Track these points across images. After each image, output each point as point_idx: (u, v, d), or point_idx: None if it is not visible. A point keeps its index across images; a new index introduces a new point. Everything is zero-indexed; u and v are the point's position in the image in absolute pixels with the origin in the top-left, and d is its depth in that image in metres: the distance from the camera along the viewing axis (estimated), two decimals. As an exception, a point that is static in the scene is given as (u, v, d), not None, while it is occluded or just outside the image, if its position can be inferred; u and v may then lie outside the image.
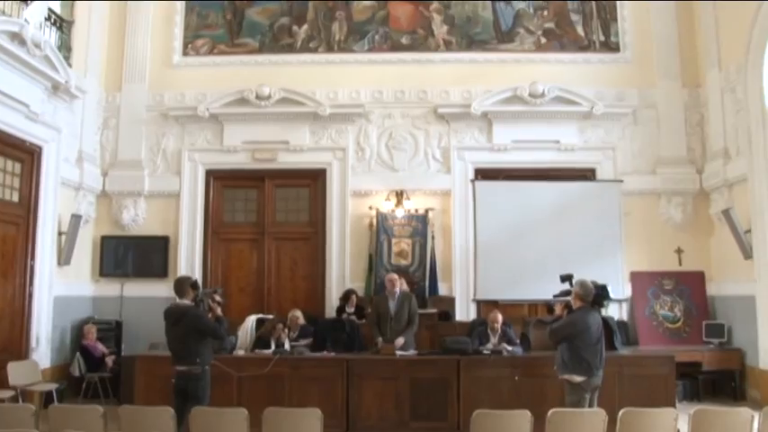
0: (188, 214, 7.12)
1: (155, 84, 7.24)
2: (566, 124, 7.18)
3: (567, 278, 4.14)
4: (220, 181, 7.27)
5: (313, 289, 7.15)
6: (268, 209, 7.27)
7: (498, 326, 5.18)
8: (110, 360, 6.06)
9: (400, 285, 5.45)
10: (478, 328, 5.35)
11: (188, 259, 7.01)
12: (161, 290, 6.52)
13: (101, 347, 6.19)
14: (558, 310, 4.20)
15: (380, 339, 5.03)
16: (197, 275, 6.72)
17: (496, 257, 6.93)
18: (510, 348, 4.93)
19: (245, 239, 7.23)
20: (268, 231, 7.25)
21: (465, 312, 6.89)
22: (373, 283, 6.97)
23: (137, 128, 7.19)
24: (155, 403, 3.45)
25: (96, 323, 6.39)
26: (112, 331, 6.51)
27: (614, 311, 6.71)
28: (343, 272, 7.07)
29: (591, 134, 7.24)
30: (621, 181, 7.02)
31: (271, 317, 5.65)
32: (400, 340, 5.04)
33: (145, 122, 7.23)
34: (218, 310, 3.98)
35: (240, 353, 5.05)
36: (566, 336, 3.98)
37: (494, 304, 6.68)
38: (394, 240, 7.11)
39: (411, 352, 5.04)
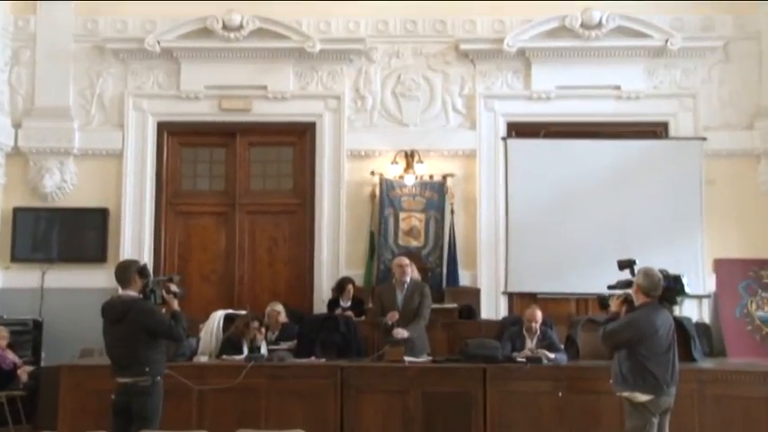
0: (134, 180, 7.03)
1: (85, 5, 6.98)
2: (629, 64, 7.00)
3: (627, 265, 4.00)
4: (177, 137, 7.23)
5: (298, 277, 7.16)
6: (240, 174, 7.25)
7: (536, 326, 5.12)
8: (23, 373, 5.70)
9: (411, 272, 5.42)
10: (511, 329, 5.30)
11: (134, 239, 6.96)
12: (97, 278, 6.44)
13: (11, 357, 5.77)
14: (614, 306, 4.07)
15: (387, 318, 4.98)
16: (146, 259, 6.65)
17: (535, 238, 6.90)
18: (552, 356, 4.87)
19: (210, 213, 7.24)
20: (240, 203, 7.24)
21: (493, 308, 6.89)
22: (375, 269, 6.96)
23: (61, 64, 6.94)
24: (86, 429, 3.40)
25: (5, 324, 6.01)
26: (28, 334, 6.24)
27: (692, 311, 6.57)
28: (336, 255, 7.05)
29: (663, 77, 7.05)
30: (704, 139, 6.85)
31: (243, 313, 5.58)
32: (402, 331, 4.97)
33: (73, 57, 6.97)
34: (175, 304, 3.92)
35: (203, 359, 5.02)
36: (625, 341, 3.85)
37: (531, 298, 6.67)
38: (402, 215, 7.08)
39: (424, 358, 5.00)
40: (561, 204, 6.88)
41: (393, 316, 4.99)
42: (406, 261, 5.33)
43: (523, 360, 4.75)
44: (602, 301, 4.13)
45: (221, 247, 7.21)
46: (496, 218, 7.03)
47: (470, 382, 4.66)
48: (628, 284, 3.96)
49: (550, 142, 7.02)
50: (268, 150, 7.33)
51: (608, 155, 6.88)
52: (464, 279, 6.95)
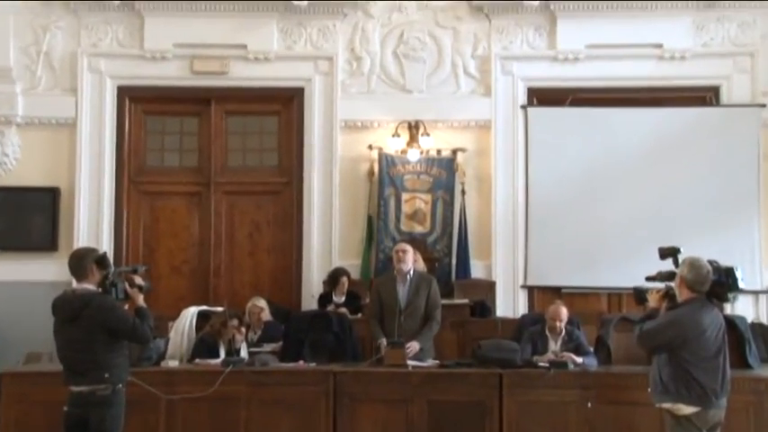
0: (90, 154, 7.00)
1: (24, -58, 6.90)
2: (673, 18, 6.92)
3: (670, 254, 3.90)
4: (141, 104, 7.24)
5: (284, 268, 7.18)
6: (216, 148, 7.29)
7: (561, 325, 5.08)
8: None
9: (415, 262, 5.38)
10: (531, 329, 5.26)
11: (91, 223, 6.95)
12: (46, 270, 6.42)
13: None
14: (653, 301, 3.99)
15: (384, 342, 4.96)
16: (106, 248, 6.60)
17: (559, 223, 6.93)
18: (579, 360, 4.83)
19: (180, 194, 7.27)
20: (216, 182, 7.27)
21: (510, 305, 6.92)
22: (374, 259, 7.00)
23: (-2, 16, 6.85)
24: (32, 446, 3.37)
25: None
26: (-39, 337, 6.27)
27: (746, 309, 6.47)
28: (329, 243, 7.08)
29: (715, 32, 6.96)
30: (763, 105, 6.85)
31: (219, 310, 5.52)
32: (414, 345, 4.95)
33: (12, 8, 6.85)
34: (140, 300, 3.84)
35: (172, 364, 4.95)
36: (665, 342, 3.76)
37: (555, 293, 6.69)
38: (405, 196, 7.10)
39: (430, 362, 4.98)
40: (591, 184, 6.89)
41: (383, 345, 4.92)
42: (407, 247, 5.28)
43: (546, 365, 4.72)
44: (639, 295, 4.05)
45: (194, 233, 7.23)
46: (515, 199, 7.05)
47: (484, 390, 4.64)
48: (670, 276, 3.87)
49: (578, 111, 7.01)
50: (248, 120, 7.34)
51: (647, 125, 6.88)
52: (477, 271, 6.98)
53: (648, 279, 3.99)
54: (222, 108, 7.26)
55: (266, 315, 5.76)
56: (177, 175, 7.27)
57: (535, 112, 7.08)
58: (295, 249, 7.13)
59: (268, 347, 5.39)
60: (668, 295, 3.88)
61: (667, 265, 3.92)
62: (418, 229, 7.07)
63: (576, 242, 6.84)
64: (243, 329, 5.27)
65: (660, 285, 3.93)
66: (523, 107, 7.09)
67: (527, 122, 7.04)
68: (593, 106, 7.00)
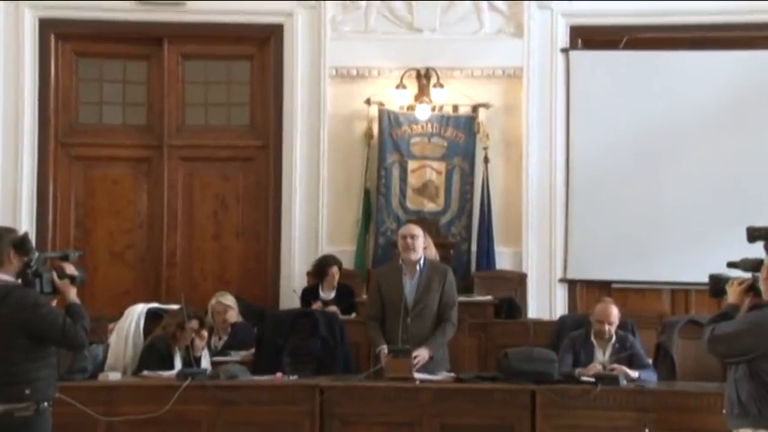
0: (4, 108, 7.01)
1: None
2: None
3: (762, 236, 3.84)
4: (71, 43, 7.31)
5: (257, 255, 7.25)
6: (170, 101, 7.35)
7: (611, 330, 5.03)
8: None
9: (425, 249, 5.35)
10: (572, 335, 5.22)
11: (6, 197, 7.01)
12: None
13: None
14: (732, 294, 3.87)
15: (385, 349, 4.95)
16: (27, 228, 6.64)
17: (609, 199, 6.99)
18: (634, 374, 4.79)
19: (124, 160, 7.39)
20: (170, 145, 7.31)
21: (546, 303, 6.99)
22: (372, 244, 7.09)
23: None
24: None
25: None
26: None
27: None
28: (315, 223, 7.14)
29: None
30: None
31: (175, 308, 5.51)
32: (423, 353, 4.94)
33: None
34: (72, 294, 3.79)
35: (113, 377, 4.93)
36: (743, 351, 3.68)
37: (603, 289, 6.76)
38: (412, 165, 7.16)
39: (443, 375, 4.97)
40: (650, 149, 6.91)
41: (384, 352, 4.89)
42: (416, 231, 5.22)
43: (591, 380, 4.68)
44: (716, 285, 3.96)
45: (141, 210, 7.27)
46: (552, 169, 7.08)
47: (512, 412, 4.63)
48: (758, 266, 3.83)
49: (635, 56, 7.03)
50: (212, 67, 7.37)
51: (723, 74, 6.88)
52: (503, 260, 7.05)
53: (730, 265, 3.89)
54: (178, 50, 7.26)
55: (234, 315, 5.78)
56: (119, 135, 7.29)
57: (579, 57, 7.10)
58: (272, 232, 7.17)
59: (237, 356, 5.40)
60: (753, 289, 3.83)
61: (757, 250, 3.87)
62: (429, 206, 7.13)
63: (631, 224, 6.88)
64: (204, 333, 5.25)
65: (746, 275, 3.88)
66: (564, 51, 7.10)
67: (569, 71, 7.07)
68: (653, 49, 7.01)
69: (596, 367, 4.84)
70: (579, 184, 7.03)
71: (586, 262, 7.01)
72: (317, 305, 6.17)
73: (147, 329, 5.40)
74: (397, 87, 7.06)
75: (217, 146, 7.29)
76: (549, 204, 7.07)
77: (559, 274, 7.04)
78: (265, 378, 4.91)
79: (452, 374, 4.99)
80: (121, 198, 7.26)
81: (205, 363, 5.13)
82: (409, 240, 5.09)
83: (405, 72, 7.04)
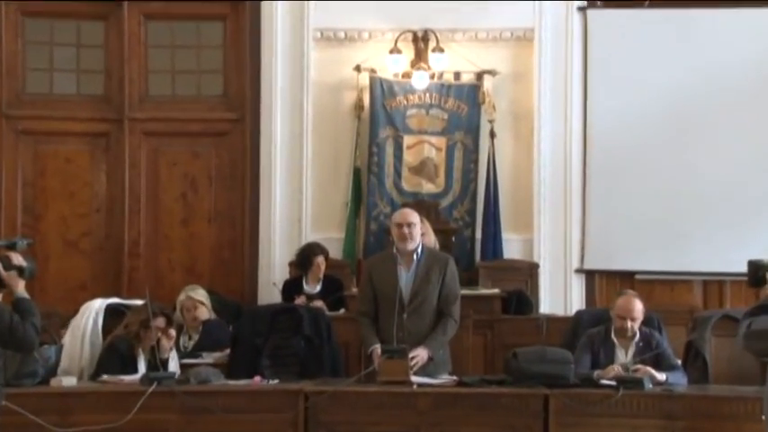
0: None
1: None
2: None
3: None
4: (18, 1, 7.23)
5: (232, 244, 7.28)
6: (131, 68, 7.34)
7: (635, 327, 5.03)
8: None
9: (423, 236, 5.35)
10: (590, 332, 5.22)
11: None
12: None
13: None
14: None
15: (378, 349, 4.97)
16: None
17: (633, 179, 7.02)
18: (661, 376, 4.80)
19: (79, 135, 7.39)
20: (132, 118, 7.36)
21: (561, 297, 7.03)
22: (363, 230, 7.13)
23: None
24: None
25: None
26: None
27: None
28: (297, 207, 7.17)
29: None
30: None
31: (138, 303, 5.49)
32: (422, 354, 4.96)
33: None
34: (20, 288, 3.82)
35: (68, 382, 4.90)
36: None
37: (625, 280, 6.79)
38: (409, 140, 7.18)
39: (444, 379, 4.97)
40: (680, 122, 6.94)
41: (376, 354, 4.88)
42: (412, 217, 5.19)
43: (612, 383, 4.68)
44: (755, 272, 4.02)
45: (99, 192, 7.27)
46: (567, 144, 7.12)
47: (522, 419, 4.62)
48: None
49: (661, 14, 7.02)
50: (179, 28, 7.37)
51: (761, 33, 6.88)
52: (512, 248, 7.08)
53: None
54: (139, 9, 7.24)
55: (206, 311, 5.79)
56: (73, 107, 7.28)
57: (599, 15, 7.10)
58: (248, 217, 7.19)
59: (209, 358, 5.40)
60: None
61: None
62: (427, 187, 7.14)
63: (658, 206, 6.91)
64: (172, 332, 5.24)
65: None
66: (582, 9, 7.11)
67: (586, 32, 7.08)
68: (682, 7, 7.00)
69: (617, 369, 4.83)
70: (598, 162, 7.05)
71: (606, 250, 7.04)
72: (300, 300, 6.18)
73: (107, 328, 5.37)
74: (391, 52, 7.05)
75: (185, 119, 7.28)
76: (564, 184, 7.10)
77: (576, 264, 7.08)
78: (242, 383, 4.90)
79: (454, 378, 4.98)
80: (76, 179, 7.25)
81: (173, 366, 5.12)
82: (405, 230, 5.07)
83: (400, 35, 7.04)
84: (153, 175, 7.28)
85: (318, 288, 6.39)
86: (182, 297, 5.80)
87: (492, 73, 7.11)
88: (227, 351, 5.45)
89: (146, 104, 7.29)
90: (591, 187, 7.07)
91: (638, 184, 6.98)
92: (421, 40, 7.06)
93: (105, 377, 4.94)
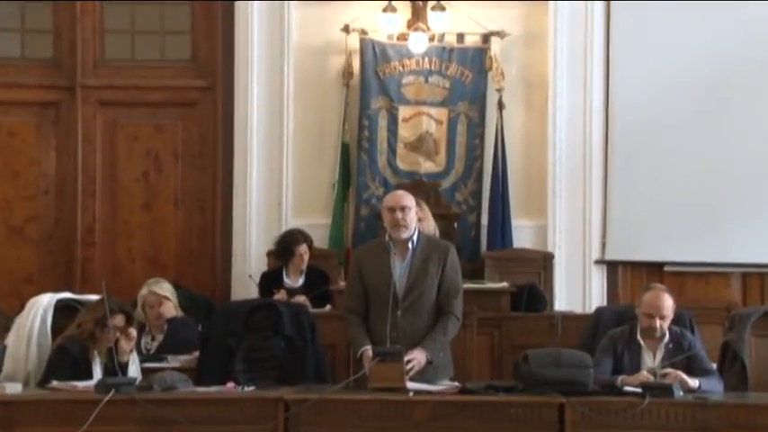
0: None
1: None
2: None
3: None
4: None
5: (201, 231, 7.33)
6: (84, 27, 7.33)
7: (664, 326, 5.04)
8: None
9: (420, 222, 5.42)
10: (613, 332, 5.25)
11: None
12: None
13: None
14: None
15: (369, 351, 4.96)
16: None
17: (661, 158, 7.04)
18: (693, 383, 4.81)
19: (24, 104, 7.40)
20: (85, 85, 7.38)
21: (579, 291, 7.08)
22: (353, 216, 7.17)
23: None
24: None
25: None
26: None
27: None
28: (277, 189, 7.20)
29: None
30: None
31: (94, 299, 5.46)
32: (419, 357, 4.96)
33: None
34: None
35: (12, 389, 4.83)
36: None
37: (653, 273, 6.84)
38: (405, 112, 7.21)
39: (445, 385, 4.99)
40: (715, 91, 6.97)
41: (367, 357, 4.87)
42: (406, 200, 5.16)
43: (638, 390, 4.68)
44: None
45: (48, 171, 7.29)
46: (587, 118, 7.15)
47: (535, 431, 4.67)
48: None
49: None
50: None
51: None
52: (523, 236, 7.14)
53: None
54: (95, -36, 7.21)
55: (171, 308, 5.80)
56: (17, 72, 7.28)
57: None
58: (221, 200, 7.23)
59: (175, 361, 5.41)
60: None
61: None
62: (426, 166, 7.17)
63: (690, 188, 6.96)
64: (133, 332, 5.20)
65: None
66: (603, -37, 7.11)
67: None
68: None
69: (644, 374, 4.85)
70: (622, 137, 7.08)
71: (631, 238, 7.07)
72: (280, 295, 6.20)
73: (57, 327, 5.35)
74: (385, 11, 7.04)
75: (147, 87, 7.29)
76: (583, 163, 7.12)
77: (596, 254, 7.11)
78: (213, 390, 4.90)
79: (456, 384, 4.99)
80: (21, 155, 7.27)
81: (134, 370, 5.12)
82: (398, 214, 5.04)
83: (393, -7, 7.04)
84: (110, 151, 7.29)
85: (301, 281, 6.41)
86: (143, 292, 5.80)
87: (500, 35, 7.12)
88: (196, 353, 5.46)
89: (101, 70, 7.29)
90: (613, 166, 7.09)
91: (667, 163, 7.01)
92: (418, -2, 7.06)
93: (55, 383, 4.91)
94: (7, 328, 5.51)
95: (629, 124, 7.08)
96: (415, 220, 5.18)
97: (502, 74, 7.10)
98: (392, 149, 7.16)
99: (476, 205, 7.15)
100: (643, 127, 7.06)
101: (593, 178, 7.12)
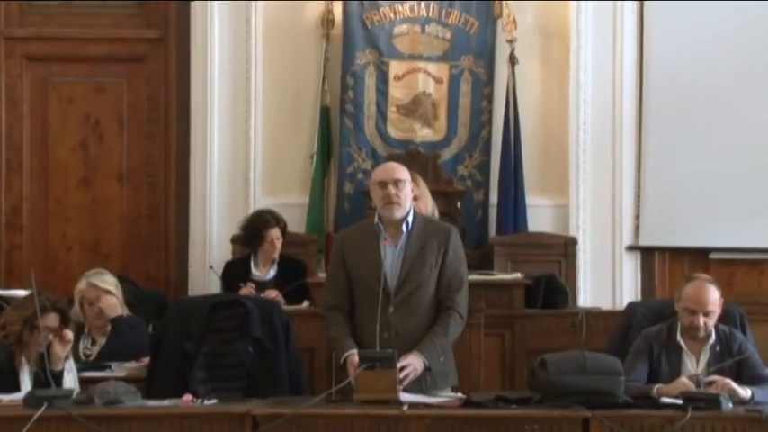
0: None
1: None
2: None
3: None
4: None
5: (152, 213, 7.36)
6: None
7: (709, 324, 5.06)
8: None
9: (416, 200, 5.38)
10: (648, 332, 5.27)
11: None
12: None
13: None
14: None
15: (354, 356, 4.98)
16: None
17: (705, 126, 7.08)
18: (746, 393, 4.81)
19: None
20: (8, 36, 7.45)
21: (607, 283, 7.11)
22: (335, 194, 7.23)
23: None
24: None
25: None
26: None
27: None
28: (243, 163, 7.24)
29: None
30: None
31: (22, 294, 5.54)
32: (414, 363, 4.97)
33: None
34: None
35: None
36: None
37: (696, 261, 6.89)
38: (396, 67, 7.23)
39: (447, 396, 5.01)
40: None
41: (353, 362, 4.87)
42: (401, 173, 5.16)
43: (678, 401, 4.68)
44: None
45: None
46: (617, 76, 7.17)
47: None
48: None
49: None
50: None
51: None
52: (540, 217, 7.19)
53: None
54: None
55: (116, 305, 5.80)
56: None
57: None
58: (175, 175, 7.26)
59: (120, 369, 5.45)
60: None
61: None
62: (423, 133, 7.20)
63: (739, 162, 6.98)
64: (69, 334, 5.19)
65: None
66: None
67: None
68: None
69: (685, 382, 4.86)
70: (659, 99, 7.11)
71: (670, 219, 7.11)
72: (247, 289, 6.23)
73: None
74: (372, -57, 7.06)
75: (84, 38, 7.30)
76: (612, 130, 7.15)
77: (628, 240, 7.14)
78: (166, 403, 4.89)
79: (459, 395, 5.02)
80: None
81: (70, 380, 5.12)
82: (391, 189, 5.04)
83: None
84: (40, 116, 7.31)
85: (272, 273, 6.45)
86: (82, 286, 5.78)
87: (509, -20, 7.14)
88: (146, 360, 5.48)
89: (28, 17, 7.30)
90: (649, 134, 7.12)
91: (713, 131, 7.05)
92: (413, -76, 7.09)
93: (-24, 395, 4.95)
94: None
95: (668, 83, 7.09)
96: (411, 197, 5.20)
97: (514, 22, 7.11)
98: (382, 114, 7.18)
99: (483, 181, 7.17)
100: (684, 87, 7.09)
101: (625, 148, 7.14)
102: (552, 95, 7.24)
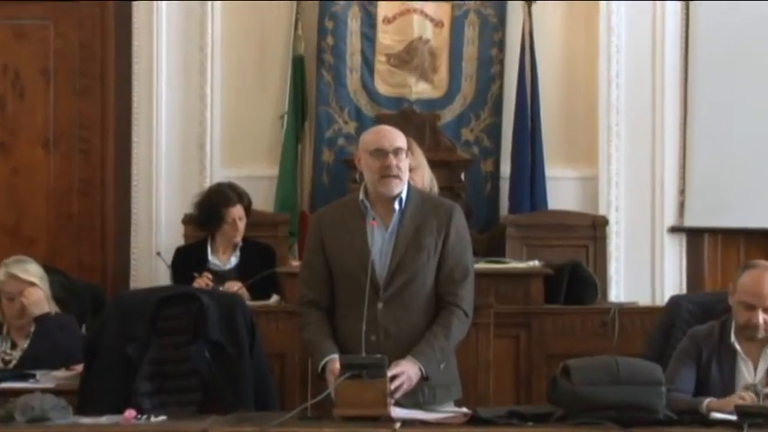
0: None
1: None
2: None
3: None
4: None
5: (87, 188, 7.45)
6: None
7: (770, 323, 5.09)
8: None
9: (412, 172, 5.43)
10: (695, 332, 5.30)
11: None
12: None
13: None
14: None
15: (335, 363, 4.98)
16: None
17: (763, 85, 7.10)
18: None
19: None
20: None
21: (644, 273, 7.18)
22: (311, 165, 7.32)
23: None
24: None
25: None
26: None
27: None
28: (199, 126, 7.34)
29: None
30: None
31: None
32: (408, 371, 4.96)
33: None
34: None
35: None
36: None
37: (753, 245, 6.98)
38: (386, 8, 7.33)
39: (449, 411, 5.00)
40: None
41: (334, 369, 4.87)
42: (401, 139, 5.17)
43: (733, 418, 4.67)
44: None
45: None
46: (657, 21, 7.23)
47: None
48: None
49: None
50: None
51: None
52: (563, 193, 7.29)
53: None
54: None
55: (41, 301, 5.83)
56: None
57: None
58: (113, 140, 7.32)
59: (47, 378, 5.47)
60: None
61: None
62: (419, 89, 7.27)
63: None
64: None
65: None
66: None
67: None
68: None
69: (741, 394, 4.87)
70: (708, 50, 7.17)
71: (720, 197, 7.17)
72: (203, 280, 6.28)
73: None
74: None
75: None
76: (652, 89, 7.22)
77: (670, 220, 7.21)
78: (104, 420, 4.91)
79: (464, 410, 4.99)
80: None
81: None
82: (391, 160, 5.05)
83: None
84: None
85: (234, 261, 6.50)
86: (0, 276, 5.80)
87: None
88: (79, 368, 5.48)
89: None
90: (695, 92, 7.21)
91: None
92: None
93: None
94: None
95: (720, 25, 7.14)
96: (407, 169, 5.19)
97: (533, -42, 7.18)
98: (368, 65, 7.24)
99: (493, 148, 7.25)
100: (736, 42, 7.15)
101: (667, 111, 7.21)
102: (577, 44, 7.35)
